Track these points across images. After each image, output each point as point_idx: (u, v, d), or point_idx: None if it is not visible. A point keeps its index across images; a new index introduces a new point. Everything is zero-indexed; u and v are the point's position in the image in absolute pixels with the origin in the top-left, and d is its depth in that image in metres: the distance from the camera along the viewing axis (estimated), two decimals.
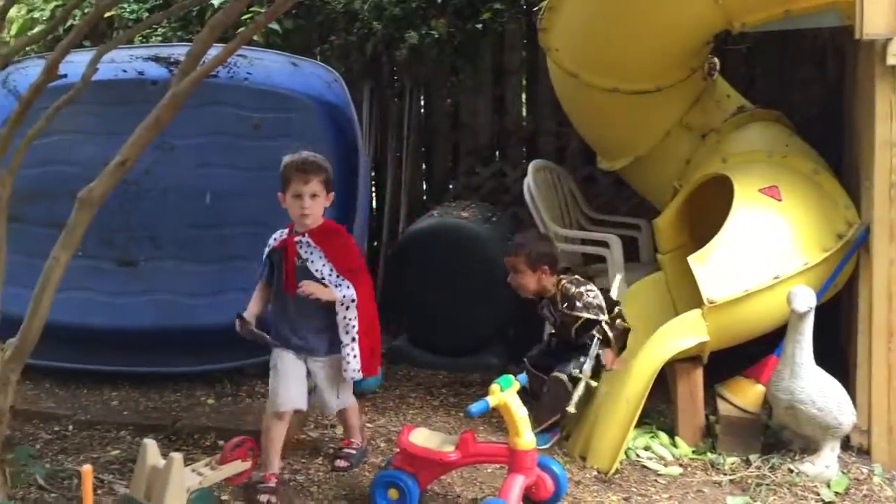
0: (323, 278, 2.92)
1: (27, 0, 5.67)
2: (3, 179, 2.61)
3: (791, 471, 2.98)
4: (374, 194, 5.27)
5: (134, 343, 3.87)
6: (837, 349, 3.55)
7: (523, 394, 2.79)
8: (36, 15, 5.66)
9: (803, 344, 2.95)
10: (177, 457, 2.44)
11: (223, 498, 2.85)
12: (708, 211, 3.64)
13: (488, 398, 2.65)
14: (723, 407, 3.24)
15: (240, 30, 4.21)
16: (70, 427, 3.48)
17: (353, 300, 2.93)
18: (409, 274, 4.29)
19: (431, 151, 5.38)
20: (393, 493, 2.75)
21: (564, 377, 3.26)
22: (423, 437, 2.81)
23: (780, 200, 3.32)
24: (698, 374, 3.24)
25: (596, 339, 3.23)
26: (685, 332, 3.17)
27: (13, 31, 5.65)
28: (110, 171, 2.56)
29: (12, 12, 5.42)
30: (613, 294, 3.40)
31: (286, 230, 3.01)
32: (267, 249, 3.02)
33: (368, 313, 2.98)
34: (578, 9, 3.80)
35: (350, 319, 2.93)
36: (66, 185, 3.23)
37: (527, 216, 4.38)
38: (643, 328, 3.35)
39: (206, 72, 2.58)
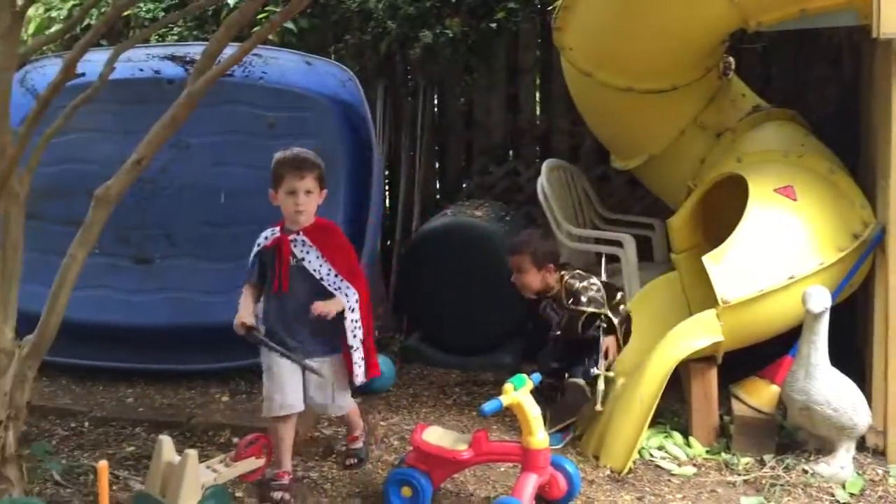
0: (321, 279, 2.86)
1: None
2: (21, 177, 2.63)
3: (806, 471, 2.97)
4: (387, 193, 5.28)
5: (149, 340, 3.90)
6: (853, 350, 3.53)
7: (536, 393, 2.80)
8: (53, 14, 5.70)
9: (818, 344, 2.93)
10: (192, 453, 2.45)
11: (237, 495, 2.87)
12: (722, 211, 3.63)
13: (501, 397, 2.65)
14: (737, 407, 3.23)
15: (255, 29, 4.26)
16: (86, 423, 3.51)
17: (357, 302, 2.90)
18: (423, 273, 4.30)
19: (445, 150, 5.39)
20: (406, 491, 2.76)
21: (582, 381, 3.26)
22: (436, 436, 2.82)
23: (795, 200, 3.31)
24: (712, 374, 3.23)
25: (601, 328, 3.22)
26: (699, 332, 3.16)
27: (30, 31, 5.69)
28: (127, 169, 2.58)
29: (30, 11, 5.46)
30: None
31: (276, 228, 2.93)
32: (256, 248, 2.94)
33: (366, 315, 2.95)
34: (593, 8, 3.79)
35: (356, 322, 2.90)
36: (83, 183, 3.27)
37: (540, 215, 4.38)
38: (657, 328, 3.35)
39: (222, 71, 2.60)
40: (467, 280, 4.12)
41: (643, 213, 4.72)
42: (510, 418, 3.30)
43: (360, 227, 3.88)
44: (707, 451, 3.17)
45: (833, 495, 2.86)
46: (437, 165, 5.40)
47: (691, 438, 3.22)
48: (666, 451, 3.17)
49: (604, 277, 3.41)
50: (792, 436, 3.18)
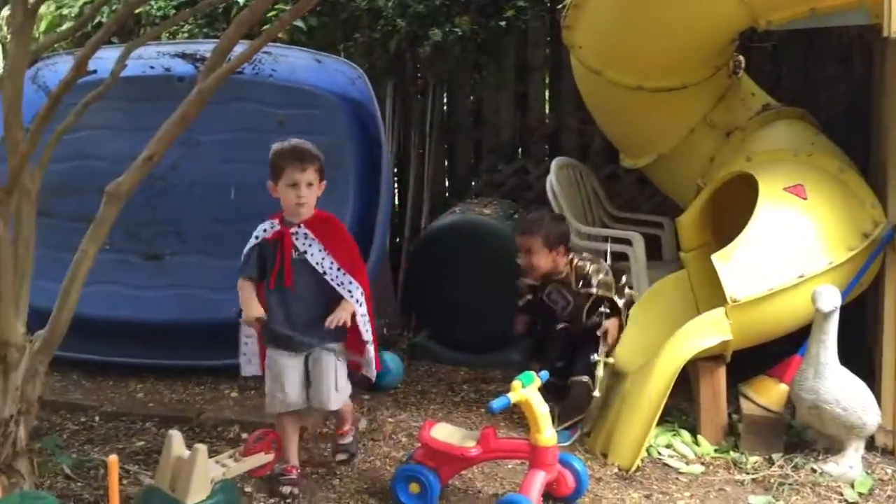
0: (324, 273, 2.82)
1: None
2: (33, 174, 2.64)
3: (814, 471, 2.96)
4: (396, 191, 5.28)
5: (159, 336, 3.92)
6: (863, 349, 3.52)
7: (544, 391, 2.80)
8: (65, 12, 5.73)
9: (828, 343, 2.93)
10: (201, 448, 2.47)
11: (246, 490, 2.88)
12: (732, 209, 3.62)
13: (510, 394, 2.66)
14: (746, 406, 3.22)
15: (265, 27, 4.26)
16: (96, 418, 3.53)
17: (362, 296, 2.87)
18: (431, 270, 4.30)
19: (454, 148, 5.39)
20: (414, 488, 2.76)
21: (587, 378, 3.27)
22: (444, 433, 2.82)
23: (805, 199, 3.30)
24: (721, 373, 3.23)
25: (603, 314, 3.21)
26: (708, 331, 3.15)
27: (42, 28, 5.72)
28: (137, 165, 2.59)
29: (42, 9, 5.49)
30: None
31: (276, 221, 2.88)
32: (254, 241, 2.87)
33: (370, 308, 2.94)
34: (603, 6, 3.79)
35: (366, 317, 2.89)
36: (94, 180, 3.28)
37: None
38: (666, 326, 3.34)
39: (232, 68, 2.61)
40: (476, 278, 4.13)
41: (652, 212, 4.71)
42: (518, 415, 3.31)
43: (369, 225, 3.89)
44: (715, 450, 3.17)
45: (842, 494, 2.85)
46: (445, 163, 5.41)
47: (699, 437, 3.22)
48: (674, 450, 3.17)
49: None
50: (801, 435, 3.17)
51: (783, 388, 3.20)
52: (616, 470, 3.05)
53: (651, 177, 4.48)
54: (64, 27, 5.44)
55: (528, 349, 4.15)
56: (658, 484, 2.96)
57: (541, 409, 2.68)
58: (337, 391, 2.89)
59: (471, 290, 4.14)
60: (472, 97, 5.31)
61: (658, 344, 3.24)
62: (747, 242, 3.24)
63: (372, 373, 3.03)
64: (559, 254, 3.28)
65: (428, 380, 4.06)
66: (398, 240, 5.17)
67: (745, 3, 3.39)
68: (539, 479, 2.65)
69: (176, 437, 2.54)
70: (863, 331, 3.66)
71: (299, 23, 4.90)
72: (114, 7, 5.12)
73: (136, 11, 5.31)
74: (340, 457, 3.09)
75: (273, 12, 4.71)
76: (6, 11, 3.22)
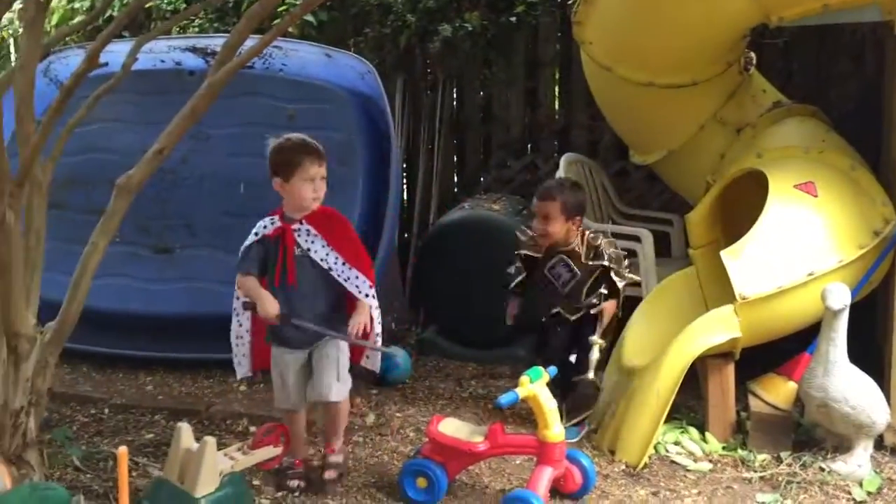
0: (329, 269, 2.76)
1: None
2: (44, 167, 2.66)
3: (822, 469, 2.96)
4: (405, 186, 5.29)
5: (169, 329, 3.94)
6: (873, 348, 3.51)
7: (552, 386, 2.80)
8: (76, 5, 5.75)
9: (837, 342, 2.92)
10: (210, 440, 2.48)
11: (255, 482, 2.89)
12: (741, 207, 3.61)
13: (517, 390, 2.66)
14: (754, 403, 3.22)
15: (275, 21, 4.27)
16: (106, 410, 3.55)
17: (370, 289, 2.81)
18: (439, 266, 4.30)
19: (463, 144, 5.39)
20: (421, 482, 2.77)
21: (593, 375, 3.26)
22: (452, 428, 2.83)
23: (815, 196, 3.28)
24: (730, 370, 3.22)
25: (602, 293, 3.20)
26: (717, 328, 3.14)
27: (54, 21, 5.74)
28: (148, 158, 2.60)
29: (54, 2, 5.51)
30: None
31: (276, 217, 2.82)
32: (254, 238, 2.80)
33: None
34: (614, 2, 3.77)
35: (378, 310, 2.86)
36: (104, 173, 3.30)
37: None
38: (674, 323, 3.33)
39: (242, 62, 2.62)
40: (484, 273, 4.11)
41: (661, 209, 4.70)
42: (526, 411, 3.31)
43: (378, 220, 3.89)
44: (723, 448, 3.16)
45: (850, 493, 2.85)
46: (455, 159, 5.40)
47: (707, 434, 3.21)
48: (682, 447, 3.17)
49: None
50: (809, 433, 3.16)
51: (792, 385, 3.19)
52: (623, 467, 3.05)
53: (661, 173, 4.47)
54: (76, 21, 5.46)
55: (534, 344, 4.15)
56: (665, 481, 2.96)
57: (549, 405, 2.68)
58: (338, 381, 2.83)
59: (479, 285, 4.14)
60: (481, 93, 5.30)
61: (666, 341, 3.24)
62: (757, 239, 3.23)
63: (376, 365, 3.02)
64: (574, 224, 3.23)
65: (436, 375, 4.06)
66: (406, 235, 5.17)
67: None
68: (546, 475, 2.66)
69: (185, 430, 2.55)
70: (872, 329, 3.65)
71: (310, 17, 4.90)
72: (125, 1, 5.14)
73: (147, 5, 5.34)
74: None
75: (283, 7, 4.72)
76: (18, 5, 3.23)
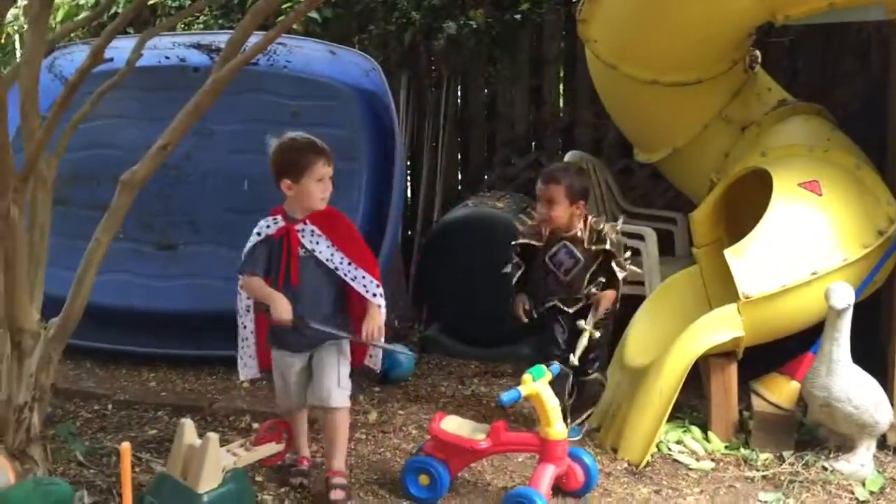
0: (335, 269, 2.72)
1: None
2: (48, 162, 2.66)
3: (825, 468, 2.95)
4: (409, 183, 5.29)
5: (172, 326, 3.94)
6: (876, 348, 3.50)
7: (554, 384, 2.80)
8: (81, 1, 5.76)
9: (841, 341, 2.91)
10: (213, 436, 2.48)
11: (257, 479, 2.90)
12: (745, 205, 3.60)
13: (520, 387, 2.66)
14: (757, 403, 3.21)
15: (280, 18, 4.27)
16: (109, 406, 3.56)
17: (377, 287, 2.77)
18: (443, 263, 4.30)
19: (467, 141, 5.38)
20: (424, 480, 2.77)
21: (599, 375, 3.26)
22: (454, 425, 2.83)
23: (820, 195, 3.27)
24: (732, 369, 3.22)
25: (601, 282, 3.19)
26: (720, 327, 3.14)
27: (59, 17, 5.75)
28: (152, 154, 2.61)
29: None
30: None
31: (278, 217, 2.77)
32: (257, 238, 2.75)
33: None
34: (619, 0, 3.77)
35: (385, 309, 2.82)
36: (108, 169, 3.31)
37: None
38: (678, 322, 3.33)
39: (247, 59, 2.62)
40: (487, 271, 4.10)
41: (665, 207, 4.69)
42: (529, 409, 3.31)
43: (382, 216, 3.89)
44: (726, 447, 3.16)
45: (852, 493, 2.84)
46: (459, 156, 5.40)
47: (710, 433, 3.21)
48: (684, 446, 3.16)
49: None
50: (812, 432, 3.16)
51: (795, 385, 3.19)
52: (626, 465, 3.05)
53: (665, 171, 4.46)
54: (80, 17, 5.46)
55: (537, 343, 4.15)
56: (668, 480, 2.96)
57: (551, 403, 2.68)
58: (339, 387, 2.78)
59: (483, 283, 4.13)
60: (486, 90, 5.30)
61: (669, 339, 3.23)
62: (760, 238, 3.22)
63: (377, 364, 3.01)
64: (577, 209, 3.20)
65: (439, 373, 4.07)
66: (410, 232, 5.17)
67: None
68: (549, 473, 2.66)
69: (188, 426, 2.55)
70: (876, 329, 3.64)
71: (314, 14, 4.90)
72: None
73: (152, 2, 5.34)
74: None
75: (288, 3, 4.72)
76: (23, 1, 3.24)
